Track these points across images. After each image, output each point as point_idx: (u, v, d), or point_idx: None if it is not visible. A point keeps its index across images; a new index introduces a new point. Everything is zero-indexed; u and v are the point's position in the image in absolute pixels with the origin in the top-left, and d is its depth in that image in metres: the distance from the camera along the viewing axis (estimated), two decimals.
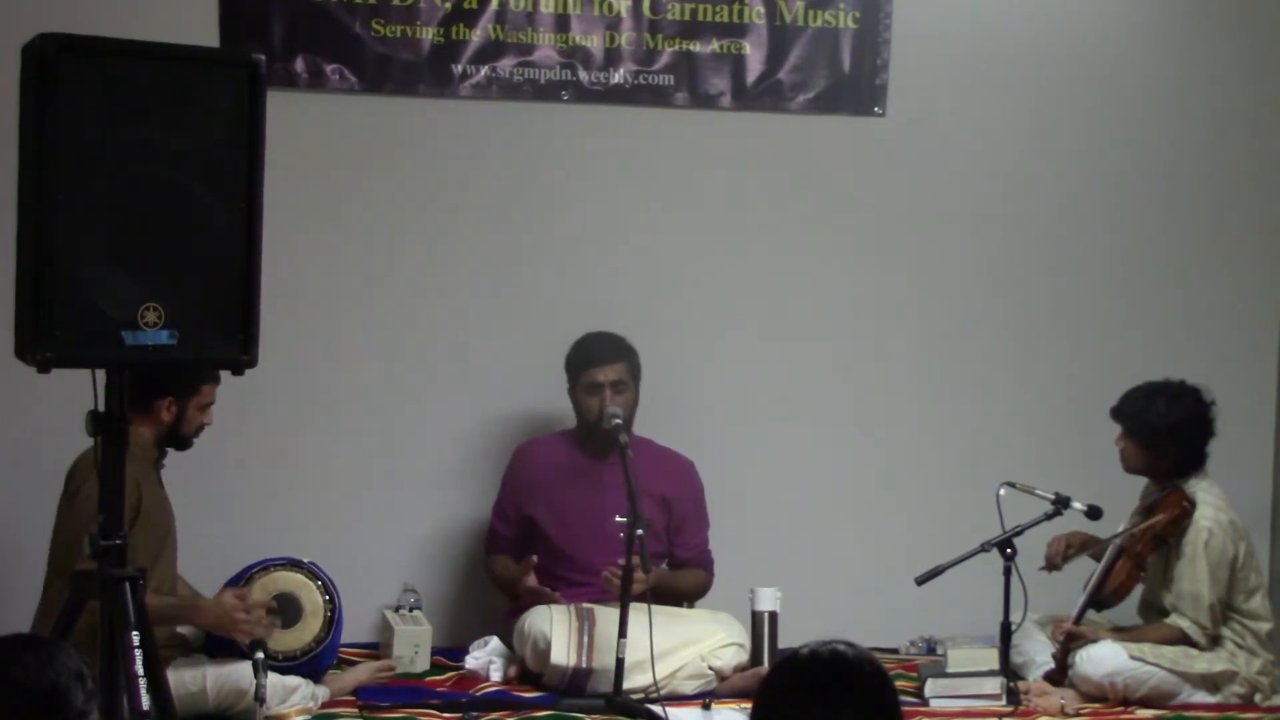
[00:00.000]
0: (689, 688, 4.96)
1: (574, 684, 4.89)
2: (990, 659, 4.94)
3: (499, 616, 5.32)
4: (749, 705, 4.76)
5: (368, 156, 5.52)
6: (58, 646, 2.40)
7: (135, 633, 3.19)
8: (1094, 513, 5.07)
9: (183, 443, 4.66)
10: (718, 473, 5.49)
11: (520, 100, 5.57)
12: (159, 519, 4.53)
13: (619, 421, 5.08)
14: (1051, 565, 5.16)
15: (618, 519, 4.83)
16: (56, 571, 4.45)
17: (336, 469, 5.50)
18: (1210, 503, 5.08)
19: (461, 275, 5.59)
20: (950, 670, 4.99)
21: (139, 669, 3.15)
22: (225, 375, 4.32)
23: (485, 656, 5.17)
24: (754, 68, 5.70)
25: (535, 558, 5.14)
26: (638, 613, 4.71)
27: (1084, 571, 5.21)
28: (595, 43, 5.60)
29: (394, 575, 5.46)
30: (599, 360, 5.28)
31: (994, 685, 4.90)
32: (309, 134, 5.37)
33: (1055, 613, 5.21)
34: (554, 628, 4.95)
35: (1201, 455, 5.16)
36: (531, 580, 5.11)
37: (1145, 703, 4.92)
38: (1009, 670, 4.94)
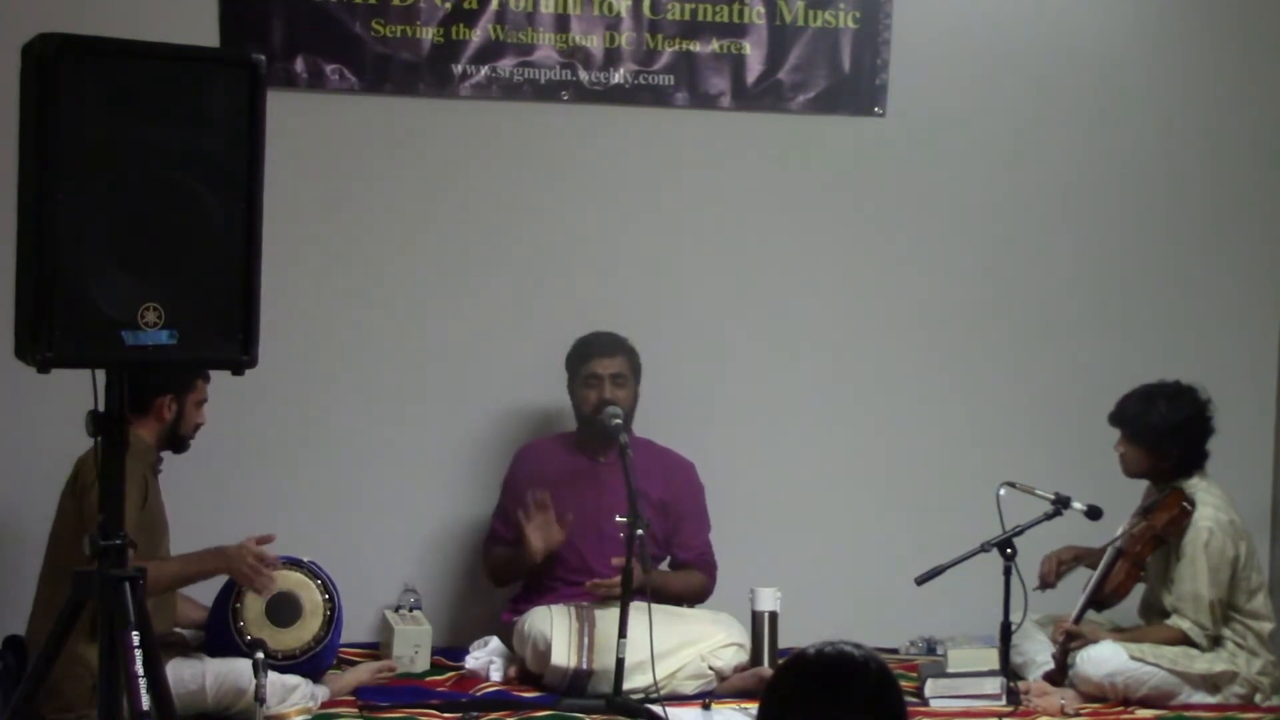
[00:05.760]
0: (689, 688, 4.96)
1: (574, 685, 4.89)
2: (990, 659, 4.94)
3: (499, 617, 5.32)
4: (749, 705, 4.79)
5: (368, 156, 5.52)
6: None
7: (135, 633, 3.19)
8: (1094, 513, 5.07)
9: (180, 444, 4.67)
10: (718, 473, 5.49)
11: (520, 100, 5.57)
12: (156, 520, 4.54)
13: (619, 421, 5.08)
14: (1045, 584, 5.17)
15: (617, 519, 4.84)
16: (53, 563, 4.46)
17: (336, 469, 5.50)
18: (1210, 503, 5.08)
19: (461, 275, 5.59)
20: (950, 670, 4.99)
21: (139, 669, 3.15)
22: (226, 375, 4.32)
23: (485, 656, 5.17)
24: (754, 68, 5.70)
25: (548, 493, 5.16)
26: (638, 613, 4.71)
27: (1083, 575, 5.21)
28: (595, 43, 5.60)
29: (394, 575, 5.47)
30: (599, 352, 5.29)
31: (994, 685, 4.90)
32: (309, 134, 5.37)
33: (1055, 613, 5.21)
34: (554, 629, 4.95)
35: (1203, 454, 5.16)
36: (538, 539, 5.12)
37: (1145, 703, 4.93)
38: (1009, 670, 4.94)
